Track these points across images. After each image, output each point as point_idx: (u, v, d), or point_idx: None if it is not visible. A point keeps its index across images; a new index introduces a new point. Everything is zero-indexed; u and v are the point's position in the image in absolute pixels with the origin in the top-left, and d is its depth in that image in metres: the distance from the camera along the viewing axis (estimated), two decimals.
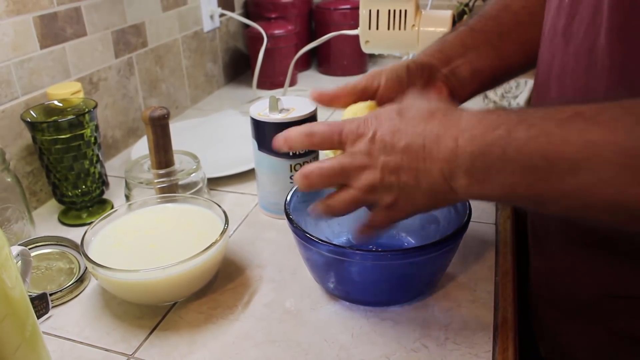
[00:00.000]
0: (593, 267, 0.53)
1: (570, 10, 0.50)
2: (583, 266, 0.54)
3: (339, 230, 0.66)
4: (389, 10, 0.90)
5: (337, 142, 0.48)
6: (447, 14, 0.91)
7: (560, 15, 0.51)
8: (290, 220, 0.56)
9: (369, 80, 0.60)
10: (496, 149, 0.40)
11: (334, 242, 0.58)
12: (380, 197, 0.47)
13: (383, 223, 0.50)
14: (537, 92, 0.60)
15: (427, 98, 0.48)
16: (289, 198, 0.60)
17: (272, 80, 1.30)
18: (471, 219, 0.55)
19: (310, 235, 0.54)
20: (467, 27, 0.65)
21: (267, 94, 1.16)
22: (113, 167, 0.94)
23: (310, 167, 0.49)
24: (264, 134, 0.70)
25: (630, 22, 0.43)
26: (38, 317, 0.57)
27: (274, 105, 0.70)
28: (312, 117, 0.70)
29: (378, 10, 0.90)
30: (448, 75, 0.62)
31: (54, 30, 0.83)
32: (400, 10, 0.90)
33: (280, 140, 0.52)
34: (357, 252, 0.54)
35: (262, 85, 1.29)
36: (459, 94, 0.62)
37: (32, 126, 0.71)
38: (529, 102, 1.05)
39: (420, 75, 0.60)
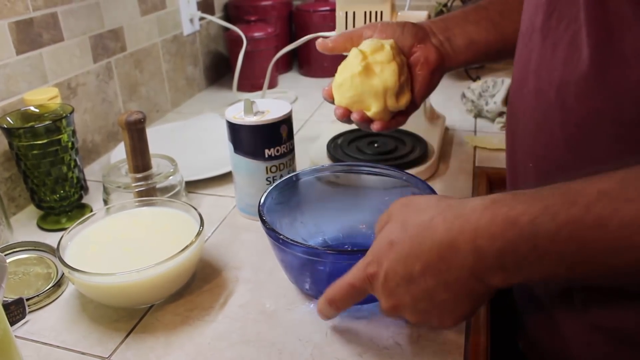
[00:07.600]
0: None
1: (548, 7, 0.51)
2: None
3: (315, 231, 0.67)
4: (365, 12, 0.91)
5: (360, 289, 0.49)
6: (423, 15, 0.92)
7: (538, 12, 0.53)
8: (263, 222, 0.57)
9: (365, 30, 0.64)
10: (525, 245, 0.39)
11: (308, 243, 0.59)
12: (416, 317, 0.47)
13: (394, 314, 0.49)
14: (514, 88, 0.61)
15: (407, 204, 0.48)
16: (263, 200, 0.61)
17: (252, 82, 1.31)
18: None
19: (284, 237, 0.54)
20: (474, 5, 0.68)
21: (248, 96, 1.17)
22: (93, 172, 0.94)
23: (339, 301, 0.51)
24: (240, 136, 0.71)
25: (602, 11, 0.43)
26: (14, 323, 0.57)
27: (248, 108, 0.70)
28: (286, 120, 0.71)
29: (354, 12, 0.91)
30: (443, 41, 0.64)
31: (30, 35, 0.83)
32: (376, 12, 0.91)
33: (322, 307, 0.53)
34: (331, 253, 0.55)
35: (242, 87, 1.29)
36: (450, 62, 0.65)
37: (9, 132, 0.71)
38: (506, 101, 1.06)
39: (414, 34, 0.63)
